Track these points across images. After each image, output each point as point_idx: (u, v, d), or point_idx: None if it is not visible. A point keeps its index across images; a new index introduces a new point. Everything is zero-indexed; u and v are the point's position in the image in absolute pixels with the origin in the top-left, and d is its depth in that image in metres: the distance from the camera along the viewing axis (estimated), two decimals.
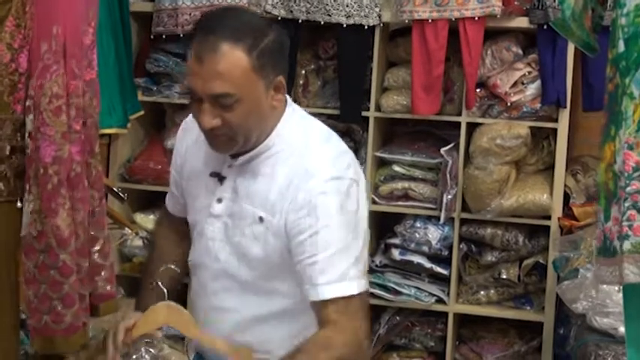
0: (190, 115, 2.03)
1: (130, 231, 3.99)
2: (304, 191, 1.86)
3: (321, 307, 1.85)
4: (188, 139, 2.06)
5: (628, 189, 1.76)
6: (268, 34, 1.87)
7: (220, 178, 1.96)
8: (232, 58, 1.80)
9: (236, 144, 1.88)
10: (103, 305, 2.29)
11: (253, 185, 1.93)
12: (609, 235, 1.83)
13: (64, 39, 1.96)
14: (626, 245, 1.76)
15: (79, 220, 2.04)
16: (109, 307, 2.29)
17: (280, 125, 1.94)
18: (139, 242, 4.14)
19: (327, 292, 1.84)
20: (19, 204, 2.08)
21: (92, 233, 2.16)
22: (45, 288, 2.08)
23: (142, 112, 4.09)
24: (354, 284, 1.86)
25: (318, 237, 1.85)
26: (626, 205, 1.77)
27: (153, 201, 4.21)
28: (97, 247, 2.22)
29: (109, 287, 2.23)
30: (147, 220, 4.16)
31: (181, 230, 2.14)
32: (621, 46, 1.80)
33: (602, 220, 1.87)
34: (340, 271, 1.85)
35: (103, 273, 2.21)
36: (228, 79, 1.80)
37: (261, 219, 1.90)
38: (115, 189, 3.77)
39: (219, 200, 1.96)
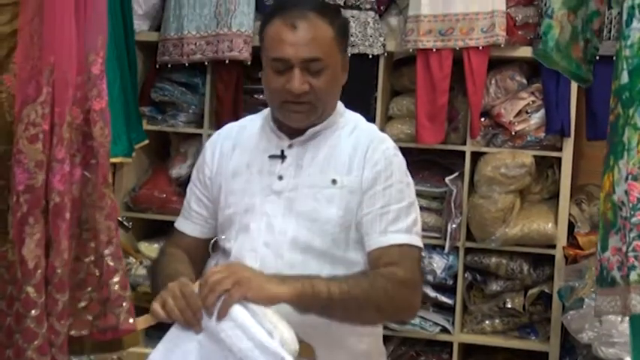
0: (220, 131, 2.20)
1: (134, 260, 3.99)
2: (379, 151, 2.03)
3: (386, 252, 1.96)
4: (224, 147, 2.15)
5: (633, 219, 1.76)
6: (341, 14, 2.13)
7: (282, 157, 2.05)
8: (321, 27, 1.99)
9: (315, 114, 2.02)
10: (127, 338, 2.22)
11: (320, 155, 2.05)
12: (607, 265, 1.83)
13: (54, 66, 1.95)
14: (633, 276, 1.76)
15: (59, 252, 2.00)
16: (132, 340, 2.23)
17: (340, 105, 2.12)
18: (143, 271, 4.13)
19: (397, 238, 1.97)
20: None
21: (111, 264, 2.12)
22: (10, 320, 2.03)
23: (146, 141, 4.11)
24: (417, 239, 2.01)
25: (392, 189, 2.00)
26: (632, 235, 1.76)
27: (157, 230, 4.21)
28: (116, 279, 2.17)
29: (131, 320, 2.18)
30: (151, 249, 4.15)
31: (187, 260, 2.12)
32: (625, 78, 1.80)
33: (599, 249, 1.87)
34: (408, 223, 2.00)
35: (124, 304, 2.16)
36: (319, 45, 1.98)
37: (334, 181, 2.01)
38: (119, 218, 3.77)
39: (281, 177, 2.04)
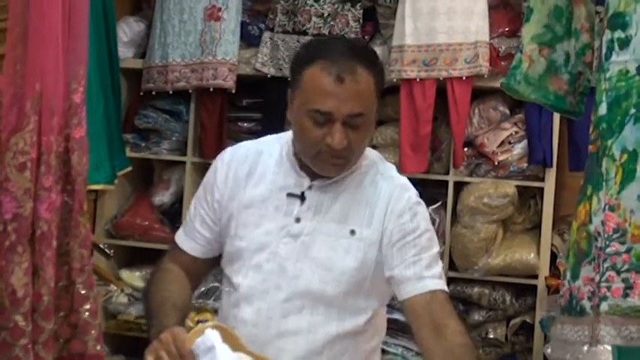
0: (231, 149, 2.11)
1: (115, 287, 3.96)
2: (403, 201, 1.98)
3: (424, 301, 1.91)
4: (239, 171, 2.06)
5: (608, 250, 1.77)
6: (379, 61, 2.00)
7: (302, 198, 1.99)
8: (366, 80, 1.89)
9: (348, 165, 1.97)
10: None
11: (340, 201, 1.99)
12: (577, 294, 1.83)
13: (41, 94, 1.96)
14: (604, 307, 1.77)
15: (45, 280, 2.00)
16: None
17: (369, 151, 2.07)
18: (124, 299, 4.11)
19: (434, 284, 1.92)
20: None
21: (82, 292, 2.12)
22: None
23: (129, 168, 4.09)
24: (446, 286, 1.98)
25: (422, 239, 1.96)
26: (605, 266, 1.77)
27: (139, 257, 4.19)
28: (86, 306, 2.17)
29: (98, 347, 2.17)
30: (133, 277, 4.13)
31: (185, 279, 2.08)
32: (603, 109, 1.82)
33: (568, 278, 1.88)
34: (440, 270, 1.97)
35: (92, 332, 2.16)
36: (364, 100, 1.89)
37: (352, 232, 1.97)
38: (101, 245, 3.76)
39: (298, 220, 1.98)
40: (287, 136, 2.07)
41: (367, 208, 1.98)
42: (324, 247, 1.97)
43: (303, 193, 1.99)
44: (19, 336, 1.99)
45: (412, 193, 2.03)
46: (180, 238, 2.14)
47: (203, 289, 3.89)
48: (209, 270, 2.21)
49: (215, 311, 3.67)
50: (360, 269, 1.96)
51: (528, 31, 2.11)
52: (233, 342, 1.78)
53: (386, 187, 2.01)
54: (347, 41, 1.96)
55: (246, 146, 2.13)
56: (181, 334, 1.75)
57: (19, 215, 2.01)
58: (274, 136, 2.14)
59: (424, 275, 1.93)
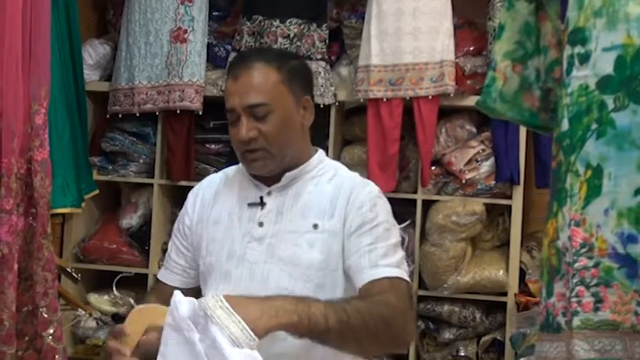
0: (203, 180, 2.22)
1: (83, 312, 3.92)
2: (363, 193, 2.04)
3: (378, 283, 1.94)
4: (205, 195, 2.17)
5: (576, 265, 1.77)
6: (295, 59, 2.15)
7: (262, 204, 2.05)
8: (265, 73, 2.01)
9: (273, 159, 2.02)
10: None
11: (299, 201, 2.05)
12: (552, 311, 1.83)
13: (0, 116, 1.94)
14: (576, 321, 1.77)
15: (6, 304, 1.98)
16: None
17: (320, 153, 2.14)
18: (92, 323, 4.07)
19: (389, 272, 1.95)
20: None
21: (45, 316, 2.10)
22: None
23: (97, 191, 4.07)
24: (406, 275, 2.00)
25: (379, 228, 2.00)
26: (575, 281, 1.77)
27: (107, 281, 4.15)
28: (50, 331, 2.15)
29: None
30: (101, 301, 4.10)
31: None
32: (565, 125, 1.83)
33: (544, 295, 1.88)
34: (397, 259, 1.99)
35: (57, 357, 2.14)
36: (261, 90, 1.99)
37: (315, 226, 2.01)
38: (68, 269, 3.71)
39: (261, 224, 2.04)
40: None
41: (328, 202, 2.04)
42: (289, 245, 2.01)
43: (262, 198, 2.06)
44: None
45: (373, 188, 2.08)
46: (160, 273, 2.24)
47: None
48: None
49: None
50: (327, 261, 2.00)
51: (500, 47, 2.11)
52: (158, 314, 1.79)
53: (347, 183, 2.07)
54: (260, 48, 2.07)
55: (215, 174, 2.25)
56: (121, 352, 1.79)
57: None
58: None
59: (379, 263, 1.96)
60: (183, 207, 2.21)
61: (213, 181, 2.20)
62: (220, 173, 2.24)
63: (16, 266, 1.95)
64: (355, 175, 2.13)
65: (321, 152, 2.15)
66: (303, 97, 2.07)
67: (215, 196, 2.15)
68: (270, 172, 2.05)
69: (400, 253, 2.02)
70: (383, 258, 1.97)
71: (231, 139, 2.05)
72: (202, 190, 2.19)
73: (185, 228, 2.17)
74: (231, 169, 2.23)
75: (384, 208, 2.06)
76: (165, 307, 1.81)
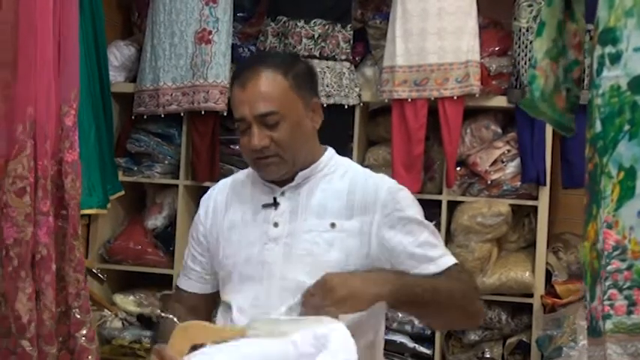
0: (214, 187, 2.24)
1: (109, 312, 3.94)
2: (383, 191, 2.04)
3: (446, 274, 2.00)
4: (218, 201, 2.18)
5: (609, 268, 1.76)
6: (300, 62, 2.12)
7: (275, 205, 2.06)
8: (272, 80, 2.00)
9: (285, 164, 2.03)
10: None
11: (313, 200, 2.05)
12: (595, 315, 1.82)
13: (35, 119, 1.95)
14: (609, 325, 1.75)
15: (46, 305, 1.99)
16: None
17: (329, 151, 2.15)
18: (118, 324, 4.08)
19: (446, 261, 2.02)
20: None
21: (78, 317, 2.11)
22: None
23: (122, 192, 4.08)
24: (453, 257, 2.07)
25: (413, 223, 2.03)
26: (607, 284, 1.76)
27: (133, 282, 4.17)
28: (83, 331, 2.17)
29: None
30: (126, 301, 4.11)
31: (188, 313, 2.14)
32: (598, 126, 1.81)
33: (588, 299, 1.86)
34: (442, 244, 2.08)
35: (90, 357, 2.15)
36: (271, 98, 1.99)
37: (333, 225, 2.02)
38: (94, 270, 3.73)
39: (276, 224, 2.05)
40: None
41: (344, 200, 2.04)
42: (307, 244, 2.02)
43: (275, 199, 2.07)
44: None
45: (389, 181, 2.10)
46: (179, 280, 2.26)
47: None
48: (212, 307, 2.25)
49: None
50: (347, 260, 2.01)
51: (541, 45, 2.08)
52: (210, 334, 1.82)
53: (361, 179, 2.08)
54: (263, 53, 2.06)
55: (225, 180, 2.27)
56: (161, 350, 1.81)
57: (20, 240, 2.01)
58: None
59: (434, 256, 2.01)
60: (196, 215, 2.23)
61: (224, 186, 2.22)
62: (230, 179, 2.25)
63: (54, 267, 1.96)
64: (367, 171, 2.14)
65: (330, 150, 2.16)
66: (311, 101, 2.08)
67: (227, 201, 2.17)
68: (283, 176, 2.06)
69: (438, 237, 2.07)
70: (433, 249, 2.03)
71: (242, 148, 2.06)
72: (214, 197, 2.21)
73: (200, 236, 2.20)
74: (240, 174, 2.24)
75: (407, 198, 2.08)
76: (210, 325, 1.83)
